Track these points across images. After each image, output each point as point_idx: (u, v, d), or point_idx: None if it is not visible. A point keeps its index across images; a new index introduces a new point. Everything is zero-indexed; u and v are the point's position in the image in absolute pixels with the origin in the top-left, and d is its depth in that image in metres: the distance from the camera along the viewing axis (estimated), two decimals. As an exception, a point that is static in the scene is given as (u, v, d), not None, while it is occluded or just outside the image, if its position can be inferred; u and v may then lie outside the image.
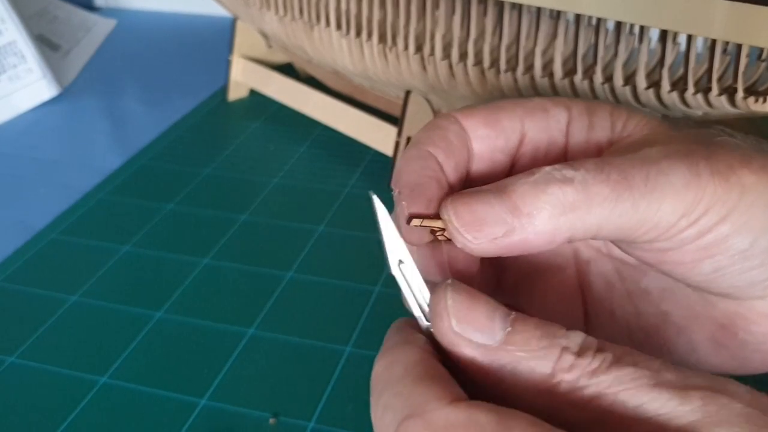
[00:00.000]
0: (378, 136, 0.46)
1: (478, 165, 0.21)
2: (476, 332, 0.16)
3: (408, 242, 0.18)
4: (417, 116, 0.44)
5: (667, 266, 0.19)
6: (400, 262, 0.18)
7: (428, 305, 0.18)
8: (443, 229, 0.18)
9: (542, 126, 0.20)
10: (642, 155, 0.18)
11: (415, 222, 0.18)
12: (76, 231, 0.42)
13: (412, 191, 0.18)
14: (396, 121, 0.44)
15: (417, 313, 0.18)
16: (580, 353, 0.16)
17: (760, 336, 0.20)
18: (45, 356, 0.33)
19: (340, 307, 0.35)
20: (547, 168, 0.18)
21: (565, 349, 0.16)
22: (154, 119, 0.55)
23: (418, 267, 0.18)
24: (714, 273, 0.18)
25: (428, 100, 0.44)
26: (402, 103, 0.43)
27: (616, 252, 0.22)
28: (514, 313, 0.17)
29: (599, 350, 0.16)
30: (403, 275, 0.18)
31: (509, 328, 0.16)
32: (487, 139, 0.20)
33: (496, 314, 0.16)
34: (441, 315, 0.17)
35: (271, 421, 0.29)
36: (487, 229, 0.17)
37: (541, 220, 0.17)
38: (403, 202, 0.18)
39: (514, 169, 0.21)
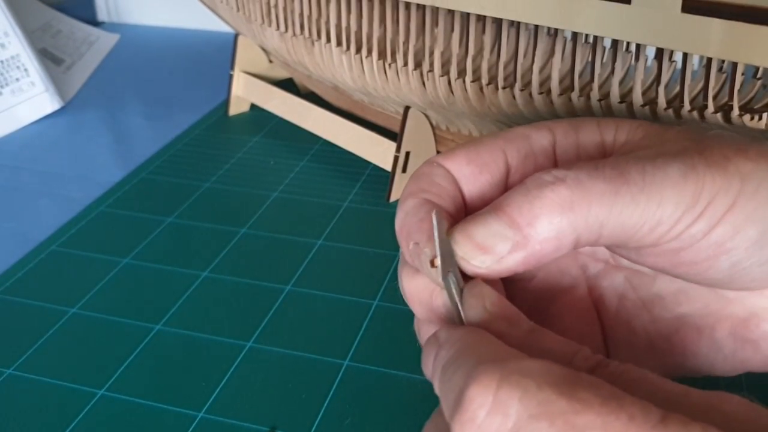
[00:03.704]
0: (377, 151, 0.46)
1: (471, 204, 0.20)
2: (505, 319, 0.17)
3: (438, 284, 0.18)
4: (416, 131, 0.44)
5: (683, 269, 0.18)
6: (449, 271, 0.18)
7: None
8: None
9: (525, 152, 0.20)
10: (636, 156, 0.18)
11: (438, 263, 0.18)
12: (76, 243, 0.42)
13: (429, 240, 0.18)
14: (395, 136, 0.45)
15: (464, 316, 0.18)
16: (592, 356, 0.16)
17: None
18: (43, 368, 0.33)
19: (339, 320, 0.35)
20: (536, 174, 0.18)
21: (579, 350, 0.16)
22: (156, 133, 0.56)
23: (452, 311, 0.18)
24: (732, 269, 0.18)
25: (427, 116, 0.44)
26: (401, 119, 0.44)
27: (625, 262, 0.22)
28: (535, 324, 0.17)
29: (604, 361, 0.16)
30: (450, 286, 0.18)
31: (532, 326, 0.17)
32: (472, 177, 0.20)
33: (521, 313, 0.17)
34: (477, 297, 0.18)
35: (269, 434, 0.29)
36: (491, 250, 0.17)
37: (541, 226, 0.17)
38: (426, 250, 0.18)
39: None
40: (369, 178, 0.48)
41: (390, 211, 0.44)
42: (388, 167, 0.45)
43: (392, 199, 0.45)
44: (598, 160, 0.18)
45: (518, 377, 0.14)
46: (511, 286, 0.22)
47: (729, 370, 0.21)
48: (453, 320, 0.18)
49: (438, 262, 0.18)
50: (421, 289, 0.19)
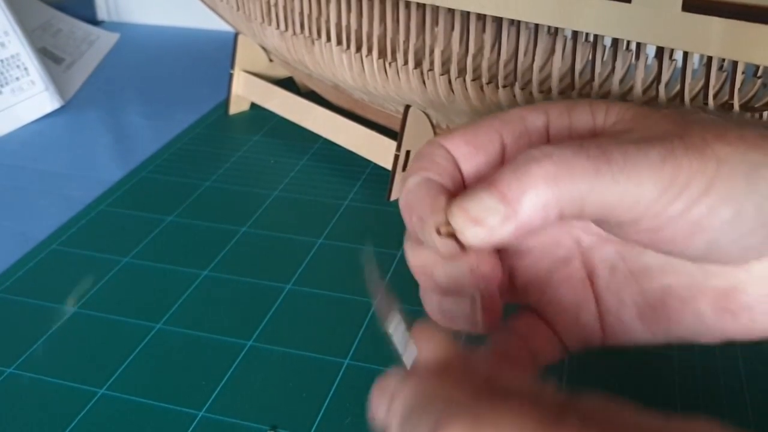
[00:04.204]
0: (377, 149, 0.46)
1: (469, 181, 0.22)
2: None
3: (444, 253, 0.19)
4: (416, 130, 0.44)
5: (662, 245, 0.19)
6: (394, 318, 0.19)
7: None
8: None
9: (520, 132, 0.21)
10: (620, 139, 0.19)
11: (444, 230, 0.19)
12: (76, 242, 0.42)
13: (432, 211, 0.20)
14: (395, 135, 0.45)
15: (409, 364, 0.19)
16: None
17: (761, 297, 0.20)
18: (43, 367, 0.33)
19: (339, 319, 0.35)
20: (526, 150, 0.19)
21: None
22: (156, 132, 0.56)
23: (452, 279, 0.20)
24: (708, 246, 0.19)
25: (427, 115, 0.44)
26: (401, 118, 0.44)
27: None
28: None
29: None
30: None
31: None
32: (470, 156, 0.21)
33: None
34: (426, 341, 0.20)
35: (269, 433, 0.29)
36: (483, 223, 0.18)
37: (529, 198, 0.18)
38: (430, 221, 0.19)
39: None
40: (369, 177, 0.48)
41: (390, 210, 0.44)
42: (389, 166, 0.45)
43: (393, 197, 0.45)
44: (585, 139, 0.19)
45: (490, 424, 0.15)
46: (508, 259, 0.23)
47: (711, 339, 0.22)
48: (405, 362, 0.19)
49: (379, 309, 0.19)
50: (425, 261, 0.21)
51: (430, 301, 0.22)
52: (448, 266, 0.21)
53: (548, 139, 0.21)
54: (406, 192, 0.21)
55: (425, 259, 0.21)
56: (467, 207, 0.19)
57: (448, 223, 0.19)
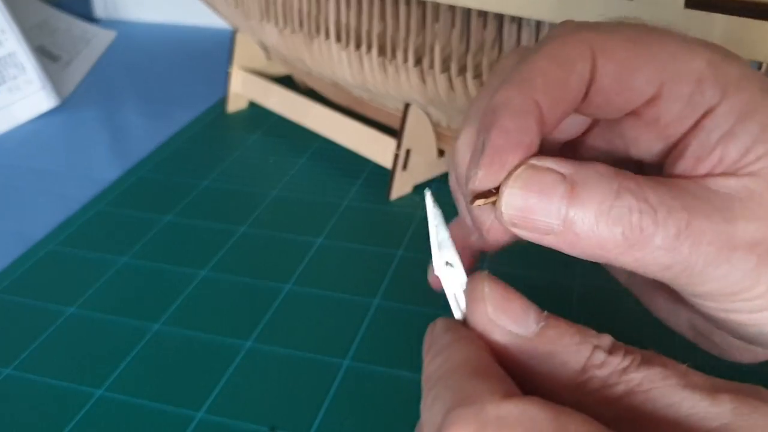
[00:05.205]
0: (377, 148, 0.46)
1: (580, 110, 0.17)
2: (511, 322, 0.16)
3: (471, 204, 0.17)
4: (416, 129, 0.44)
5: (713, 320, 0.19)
6: (447, 263, 0.17)
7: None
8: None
9: (681, 98, 0.17)
10: (728, 233, 0.16)
11: (479, 202, 0.17)
12: (73, 242, 0.42)
13: (492, 161, 0.16)
14: (395, 133, 0.44)
15: (458, 315, 0.18)
16: (611, 352, 0.15)
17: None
18: (41, 368, 0.33)
19: (339, 319, 0.35)
20: (632, 201, 0.16)
21: (597, 347, 0.15)
22: (153, 130, 0.55)
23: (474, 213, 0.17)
24: (758, 335, 0.18)
25: (427, 113, 0.44)
26: (401, 116, 0.43)
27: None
28: (546, 312, 0.16)
29: (628, 351, 0.16)
30: (448, 277, 0.17)
31: (543, 323, 0.16)
32: (609, 91, 0.17)
33: (530, 309, 0.16)
34: (477, 301, 0.16)
35: (269, 434, 0.29)
36: (531, 223, 0.16)
37: (583, 242, 0.16)
38: (480, 172, 0.16)
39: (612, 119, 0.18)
40: (369, 176, 0.48)
41: (390, 209, 0.44)
42: (389, 165, 0.45)
43: (393, 197, 0.45)
44: (692, 217, 0.16)
45: (494, 429, 0.14)
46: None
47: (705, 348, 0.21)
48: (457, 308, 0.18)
49: (434, 254, 0.17)
50: (464, 159, 0.18)
51: (459, 201, 0.20)
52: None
53: (695, 125, 0.17)
54: (505, 98, 0.16)
55: (464, 158, 0.18)
56: (528, 196, 0.16)
57: (489, 193, 0.16)
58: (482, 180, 0.16)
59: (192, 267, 0.39)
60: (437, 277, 0.18)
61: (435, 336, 0.17)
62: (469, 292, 0.17)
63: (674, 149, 0.18)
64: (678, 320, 0.21)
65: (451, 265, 0.17)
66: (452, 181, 0.21)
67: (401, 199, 0.45)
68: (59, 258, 0.40)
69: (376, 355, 0.33)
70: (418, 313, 0.35)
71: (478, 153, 0.16)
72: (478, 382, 0.15)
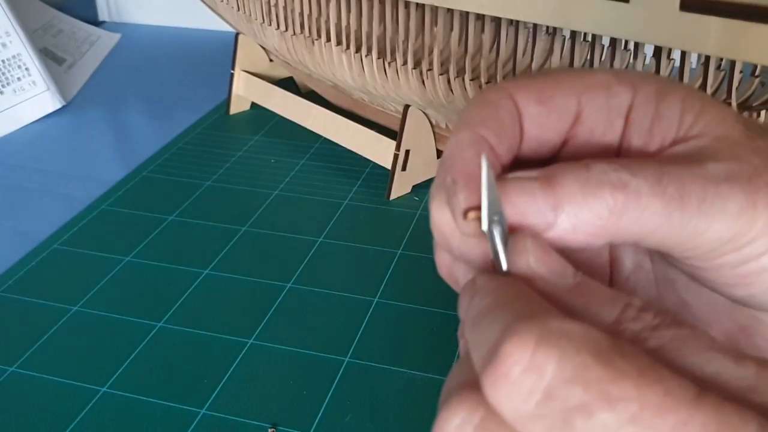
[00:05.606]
0: (377, 149, 0.47)
1: (528, 144, 0.19)
2: (550, 272, 0.17)
3: (464, 234, 0.18)
4: (416, 130, 0.44)
5: (701, 280, 0.19)
6: (494, 220, 0.18)
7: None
8: None
9: (601, 106, 0.19)
10: (704, 173, 0.17)
11: (471, 216, 0.17)
12: (78, 242, 0.42)
13: (467, 184, 0.17)
14: (395, 134, 0.45)
15: (504, 267, 0.18)
16: (642, 309, 0.16)
17: None
18: (46, 366, 0.33)
19: (340, 317, 0.35)
20: (603, 165, 0.17)
21: (628, 304, 0.16)
22: (157, 132, 0.56)
23: (467, 256, 0.18)
24: (750, 296, 0.18)
25: (426, 114, 0.44)
26: (401, 117, 0.44)
27: None
28: (582, 272, 0.17)
29: (660, 311, 0.16)
30: (494, 232, 0.18)
31: (579, 279, 0.17)
32: (538, 117, 0.19)
33: (567, 266, 0.17)
34: (520, 252, 0.17)
35: (270, 431, 0.30)
36: (525, 224, 0.17)
37: (584, 222, 0.17)
38: (460, 195, 0.17)
39: (564, 149, 0.20)
40: (369, 176, 0.48)
41: (390, 209, 0.45)
42: (388, 165, 0.45)
43: (392, 197, 0.45)
44: (665, 167, 0.17)
45: (558, 338, 0.14)
46: None
47: None
48: (494, 268, 0.18)
49: (484, 210, 0.18)
50: (445, 222, 0.19)
51: (441, 258, 0.20)
52: (464, 242, 0.19)
53: (626, 128, 0.19)
54: (454, 143, 0.18)
55: (446, 221, 0.19)
56: (516, 201, 0.17)
57: (478, 207, 0.17)
58: (466, 201, 0.17)
59: (195, 266, 0.40)
60: (447, 265, 0.19)
61: (478, 286, 0.17)
62: (512, 246, 0.17)
63: (621, 152, 0.19)
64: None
65: (497, 222, 0.18)
66: (440, 259, 0.20)
67: (401, 198, 0.45)
68: (64, 257, 0.41)
69: (377, 353, 0.33)
70: (417, 311, 0.35)
71: (451, 187, 0.18)
72: (537, 306, 0.15)
